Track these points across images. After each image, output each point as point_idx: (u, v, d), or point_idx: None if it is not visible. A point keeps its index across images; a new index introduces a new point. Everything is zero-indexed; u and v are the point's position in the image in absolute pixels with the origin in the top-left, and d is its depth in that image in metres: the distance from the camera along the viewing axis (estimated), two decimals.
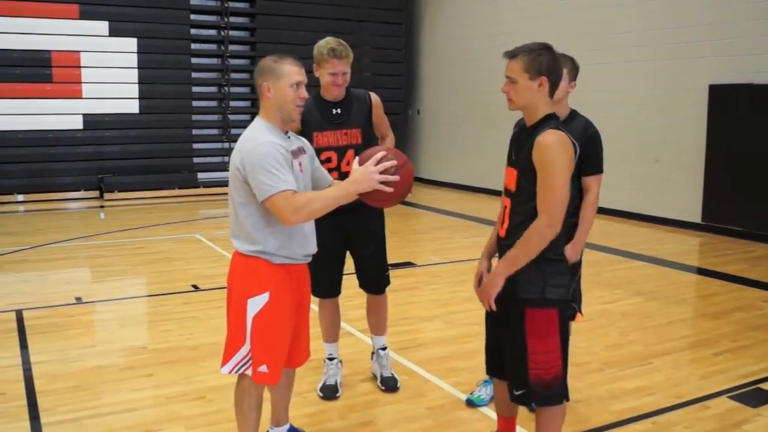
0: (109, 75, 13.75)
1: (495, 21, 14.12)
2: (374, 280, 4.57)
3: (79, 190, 13.74)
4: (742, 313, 6.38)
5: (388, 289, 4.64)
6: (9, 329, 5.81)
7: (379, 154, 3.09)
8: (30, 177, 13.34)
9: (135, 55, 13.92)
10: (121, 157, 14.09)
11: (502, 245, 3.17)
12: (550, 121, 3.03)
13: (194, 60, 14.72)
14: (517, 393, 3.14)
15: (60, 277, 7.80)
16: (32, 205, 12.98)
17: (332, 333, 4.59)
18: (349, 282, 4.64)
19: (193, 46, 14.73)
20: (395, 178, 3.06)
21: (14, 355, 5.22)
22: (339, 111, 4.28)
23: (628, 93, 11.41)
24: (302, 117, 4.13)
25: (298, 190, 3.06)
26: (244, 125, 14.74)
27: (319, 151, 4.10)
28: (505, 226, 3.12)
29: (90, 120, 13.67)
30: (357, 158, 3.21)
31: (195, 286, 7.15)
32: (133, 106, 14.03)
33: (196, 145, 14.92)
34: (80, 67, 13.46)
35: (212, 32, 14.99)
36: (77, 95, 13.51)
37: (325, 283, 4.44)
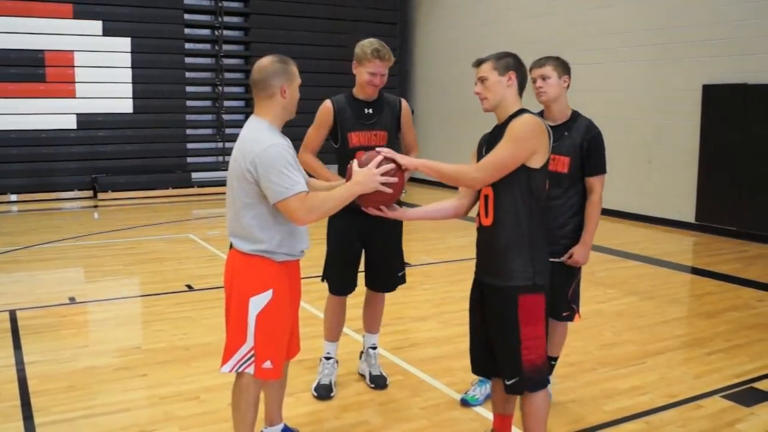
0: (103, 75, 13.73)
1: (489, 21, 14.14)
2: (386, 279, 4.59)
3: (73, 190, 13.72)
4: (735, 312, 6.39)
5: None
6: (2, 330, 5.79)
7: (379, 158, 3.20)
8: (23, 177, 13.31)
9: (129, 55, 13.91)
10: (114, 156, 14.07)
11: (486, 233, 3.25)
12: (524, 112, 3.19)
13: (188, 60, 14.70)
14: (509, 383, 3.21)
15: (53, 277, 7.78)
16: (25, 205, 12.94)
17: (336, 331, 4.59)
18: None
19: (187, 45, 14.72)
20: (395, 180, 3.20)
21: (7, 355, 5.20)
22: (370, 111, 4.33)
23: (621, 93, 11.43)
24: (336, 116, 4.27)
25: (308, 191, 3.15)
26: (238, 125, 14.72)
27: (353, 150, 4.18)
28: (491, 214, 3.20)
29: (84, 120, 13.64)
30: (355, 161, 3.26)
31: (189, 286, 7.13)
32: (126, 106, 14.01)
33: (190, 145, 14.90)
34: (74, 66, 13.45)
35: (206, 32, 14.98)
36: (71, 95, 13.48)
37: (344, 281, 4.48)
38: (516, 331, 3.14)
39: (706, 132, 10.13)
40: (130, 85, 13.99)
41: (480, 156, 3.34)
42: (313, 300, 6.10)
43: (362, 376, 4.75)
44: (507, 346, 3.19)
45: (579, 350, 5.30)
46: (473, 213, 3.46)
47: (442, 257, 8.64)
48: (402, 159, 3.25)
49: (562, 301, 4.08)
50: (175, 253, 8.78)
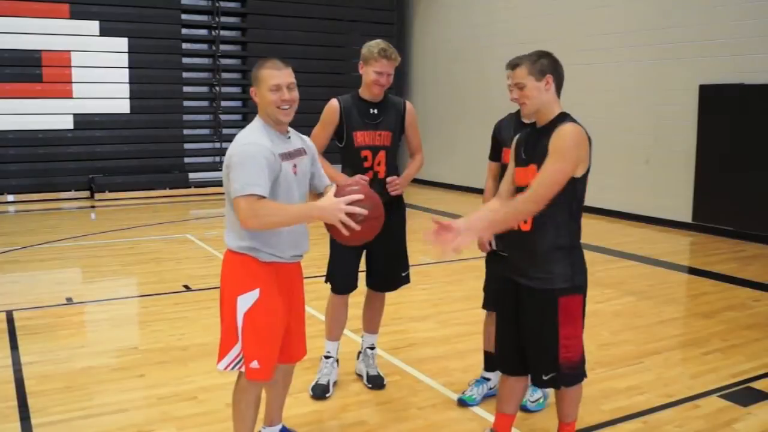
0: (100, 75, 13.71)
1: (486, 21, 14.14)
2: (388, 279, 4.60)
3: (70, 191, 13.69)
4: (732, 312, 6.40)
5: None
6: None
7: (357, 196, 3.09)
8: (20, 177, 13.28)
9: (126, 55, 13.89)
10: (111, 157, 14.05)
11: (523, 238, 3.24)
12: (567, 117, 3.19)
13: (185, 60, 14.69)
14: (545, 378, 3.27)
15: (51, 277, 7.77)
16: (23, 205, 12.92)
17: (337, 331, 4.59)
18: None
19: (184, 45, 14.71)
20: (356, 227, 3.05)
21: (5, 356, 5.20)
22: (376, 111, 4.37)
23: (618, 93, 11.44)
24: (342, 115, 4.31)
25: (266, 196, 3.06)
26: (235, 125, 14.77)
27: (358, 150, 4.28)
28: (529, 219, 3.18)
29: (81, 120, 13.62)
30: (335, 185, 3.29)
31: (186, 287, 7.13)
32: (123, 106, 13.99)
33: (187, 145, 14.89)
34: (71, 66, 13.42)
35: (203, 32, 14.97)
36: (68, 95, 13.46)
37: (345, 279, 4.49)
38: (555, 332, 3.20)
39: (703, 132, 10.14)
40: (127, 85, 13.97)
41: (518, 155, 3.33)
42: (310, 300, 6.08)
43: (359, 376, 4.75)
44: (544, 345, 3.24)
45: None
46: None
47: (440, 257, 8.64)
48: (459, 229, 3.09)
49: None
50: (172, 254, 8.78)
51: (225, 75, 15.12)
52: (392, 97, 4.50)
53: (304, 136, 3.57)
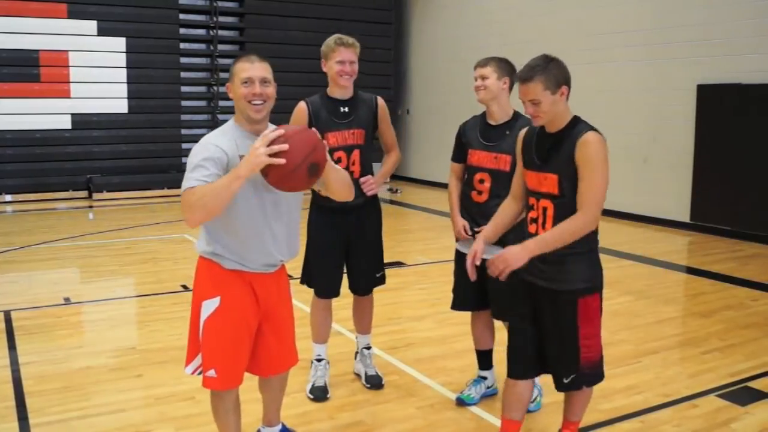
0: (98, 74, 13.70)
1: (484, 20, 14.15)
2: (362, 281, 4.54)
3: (68, 190, 13.67)
4: (730, 311, 6.41)
5: (377, 288, 4.64)
6: None
7: (274, 135, 2.84)
8: (18, 177, 13.27)
9: (124, 55, 13.88)
10: (109, 156, 14.04)
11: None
12: (581, 122, 3.16)
13: (183, 59, 14.68)
14: (566, 381, 3.27)
15: (48, 277, 7.76)
16: (20, 205, 12.91)
17: (323, 334, 4.57)
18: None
19: (182, 45, 14.70)
20: (283, 146, 2.79)
21: (2, 356, 5.19)
22: (346, 110, 4.29)
23: (616, 93, 11.45)
24: (312, 117, 4.19)
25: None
26: None
27: (331, 152, 4.09)
28: (548, 225, 3.16)
29: (78, 120, 13.61)
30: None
31: (184, 287, 7.12)
32: (121, 106, 13.98)
33: (185, 145, 14.85)
34: (68, 66, 13.41)
35: (201, 32, 14.96)
36: (65, 95, 13.45)
37: (326, 284, 4.44)
38: (575, 333, 3.20)
39: (701, 131, 10.16)
40: (125, 85, 13.95)
41: (530, 158, 3.26)
42: (307, 300, 6.09)
43: (358, 376, 4.74)
44: (565, 346, 3.23)
45: None
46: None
47: (438, 257, 8.63)
48: (509, 256, 3.07)
49: None
50: (170, 254, 8.77)
51: (223, 75, 15.08)
52: (363, 94, 4.41)
53: None
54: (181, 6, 14.48)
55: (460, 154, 4.24)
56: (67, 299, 6.71)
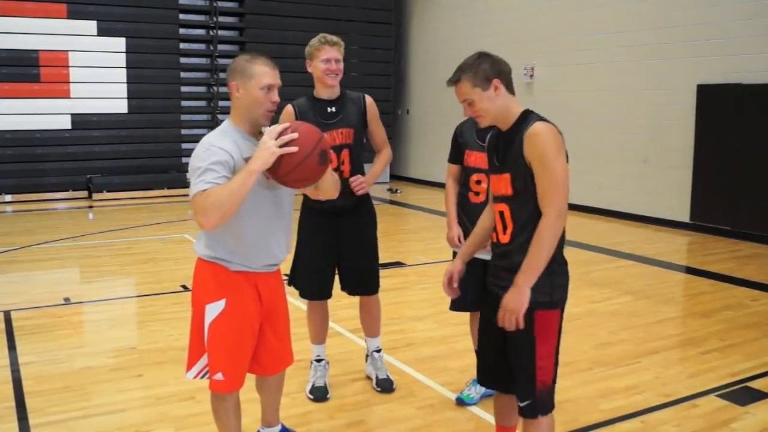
0: (98, 75, 13.70)
1: (483, 20, 14.15)
2: (358, 281, 4.52)
3: (68, 191, 13.68)
4: (730, 311, 6.41)
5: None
6: None
7: (281, 127, 2.93)
8: (18, 177, 13.27)
9: (123, 55, 13.89)
10: (109, 157, 14.04)
11: (504, 250, 3.02)
12: (530, 115, 2.95)
13: (183, 60, 14.69)
14: (522, 405, 3.03)
15: (48, 277, 7.76)
16: (20, 205, 12.92)
17: (320, 335, 4.57)
18: (338, 282, 4.62)
19: (182, 45, 14.70)
20: (293, 135, 2.88)
21: (2, 356, 5.19)
22: (334, 109, 4.26)
23: (616, 93, 11.44)
24: (300, 119, 4.12)
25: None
26: None
27: None
28: (509, 230, 2.98)
29: (78, 120, 13.61)
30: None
31: (184, 287, 7.12)
32: (121, 106, 13.98)
33: (185, 145, 14.86)
34: (68, 66, 13.41)
35: (201, 32, 14.97)
36: (65, 95, 13.45)
37: (317, 286, 4.42)
38: (532, 349, 2.96)
39: (701, 131, 10.16)
40: (125, 85, 13.96)
41: (491, 162, 3.08)
42: (302, 300, 6.09)
43: (369, 378, 4.73)
44: (522, 363, 3.01)
45: (574, 350, 5.30)
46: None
47: (438, 257, 8.63)
48: (511, 300, 2.85)
49: None
50: (170, 254, 8.77)
51: (223, 75, 15.07)
52: (350, 93, 4.37)
53: None
54: (180, 6, 14.49)
55: (456, 155, 4.23)
56: (67, 299, 6.71)
